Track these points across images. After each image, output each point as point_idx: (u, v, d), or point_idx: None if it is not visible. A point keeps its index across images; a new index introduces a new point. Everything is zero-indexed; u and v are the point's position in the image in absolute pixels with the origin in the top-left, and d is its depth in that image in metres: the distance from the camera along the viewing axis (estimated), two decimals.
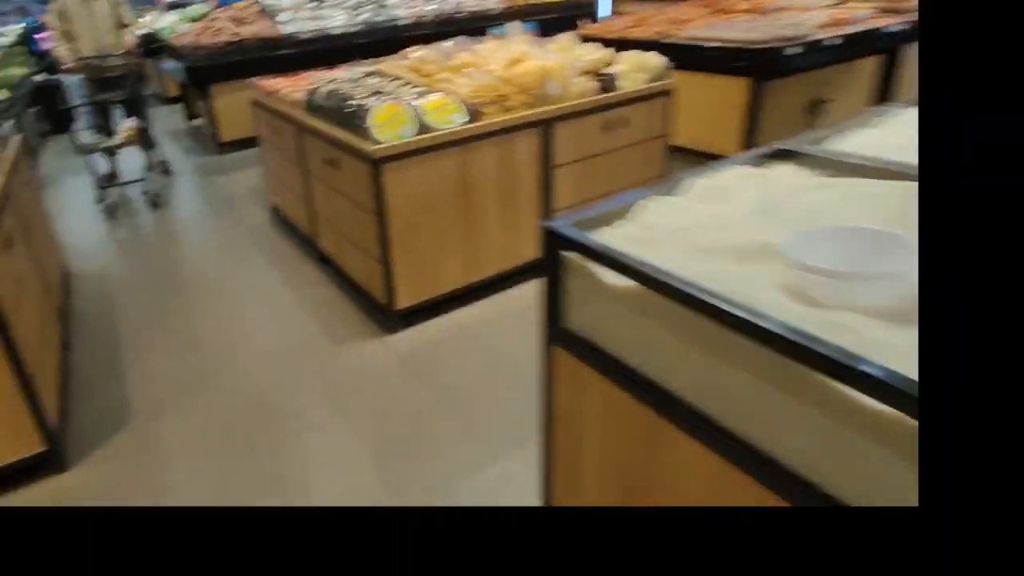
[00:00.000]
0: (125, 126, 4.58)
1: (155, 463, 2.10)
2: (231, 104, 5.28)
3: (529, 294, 2.83)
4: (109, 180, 4.68)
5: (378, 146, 2.29)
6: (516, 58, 2.59)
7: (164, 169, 5.11)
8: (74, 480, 2.05)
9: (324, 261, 3.28)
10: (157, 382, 2.51)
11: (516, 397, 2.22)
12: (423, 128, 2.37)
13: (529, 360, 2.31)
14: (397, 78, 2.72)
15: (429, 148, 2.38)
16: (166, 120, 6.91)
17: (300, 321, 2.84)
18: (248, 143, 5.38)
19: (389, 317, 2.64)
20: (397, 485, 1.93)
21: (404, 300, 2.59)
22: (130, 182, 4.65)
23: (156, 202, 4.51)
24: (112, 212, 4.43)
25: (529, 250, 2.84)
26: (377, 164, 2.30)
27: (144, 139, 4.67)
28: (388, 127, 2.30)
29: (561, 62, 2.55)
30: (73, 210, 4.51)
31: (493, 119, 2.48)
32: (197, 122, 6.45)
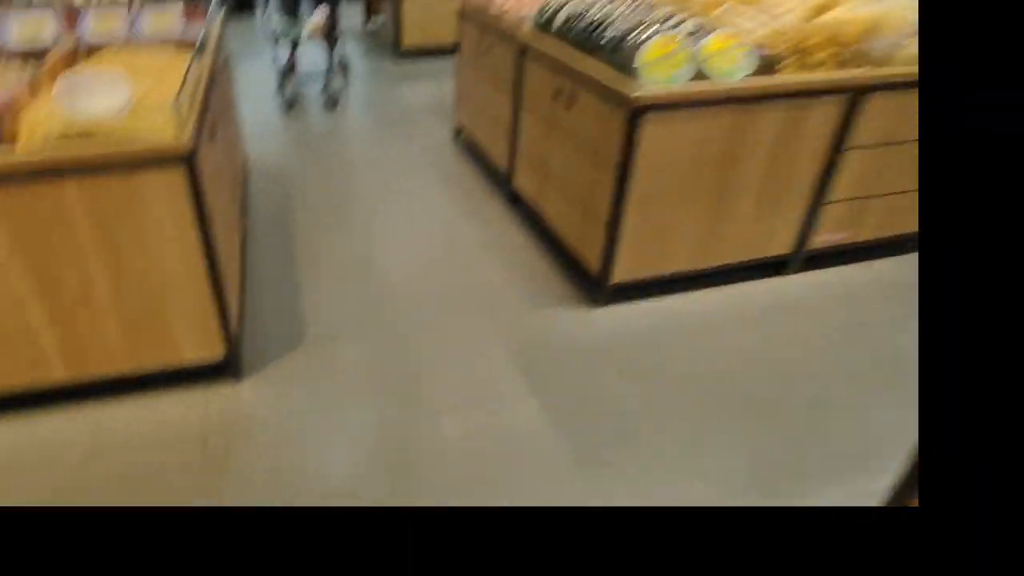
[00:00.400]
0: (314, 18, 4.38)
1: (327, 394, 1.93)
2: (420, 7, 4.95)
3: (767, 294, 2.36)
4: (289, 71, 4.55)
5: (644, 90, 1.85)
6: (826, 1, 2.03)
7: (343, 68, 4.92)
8: (248, 394, 1.92)
9: (515, 201, 2.94)
10: (331, 302, 2.32)
11: (754, 431, 1.81)
12: (699, 74, 1.90)
13: (769, 383, 1.89)
14: (657, 5, 2.23)
15: (703, 101, 1.92)
16: (345, 16, 6.72)
17: (486, 265, 2.55)
18: (431, 52, 5.10)
19: (596, 288, 2.28)
20: (605, 498, 1.61)
21: (621, 273, 2.20)
22: (310, 76, 4.50)
23: (333, 102, 4.34)
24: (290, 105, 4.31)
25: (779, 243, 2.35)
26: (636, 111, 1.87)
27: (331, 34, 4.46)
28: (660, 67, 1.85)
29: (897, 13, 1.96)
30: (251, 96, 4.42)
31: (789, 77, 1.96)
32: (376, 22, 6.21)
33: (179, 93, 1.70)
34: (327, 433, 1.80)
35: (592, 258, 2.25)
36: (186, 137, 1.60)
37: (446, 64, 5.06)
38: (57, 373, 1.78)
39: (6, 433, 1.78)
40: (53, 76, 1.91)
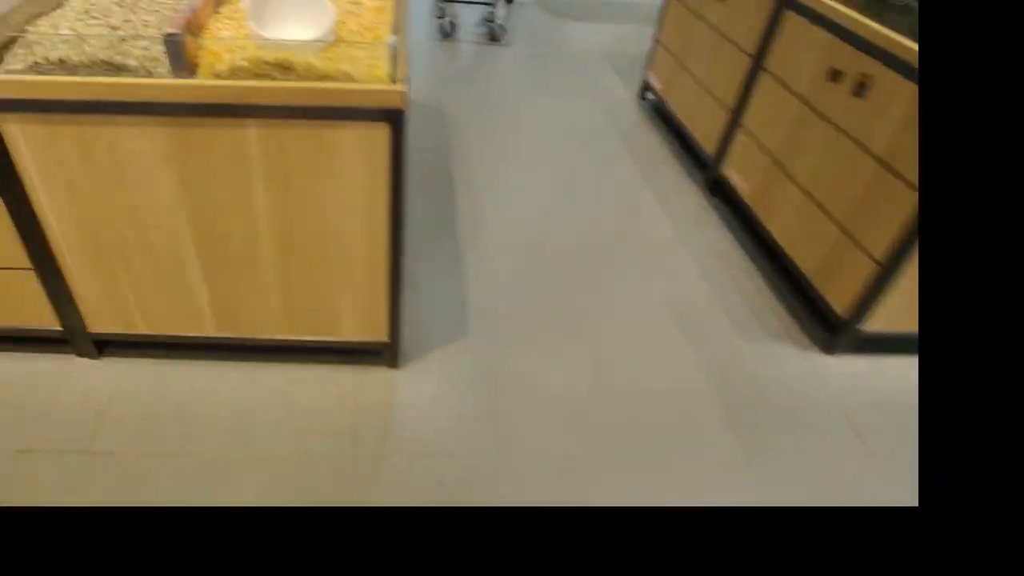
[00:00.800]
0: None
1: (494, 405, 1.63)
2: None
3: None
4: None
5: None
6: None
7: None
8: (406, 386, 1.66)
9: (716, 190, 2.45)
10: (498, 285, 1.98)
11: None
12: None
13: None
14: None
15: None
16: None
17: (681, 271, 2.11)
18: None
19: (835, 330, 1.80)
20: None
21: (880, 321, 1.72)
22: (472, 2, 4.05)
23: (497, 35, 3.88)
24: (446, 33, 3.89)
25: None
26: None
27: None
28: None
29: None
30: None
31: None
32: None
33: (394, 29, 1.34)
34: (494, 452, 1.50)
35: (839, 294, 1.76)
36: (401, 87, 1.23)
37: (630, 2, 4.47)
38: (209, 328, 1.61)
39: (150, 382, 1.62)
40: None
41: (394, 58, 1.25)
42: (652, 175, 2.60)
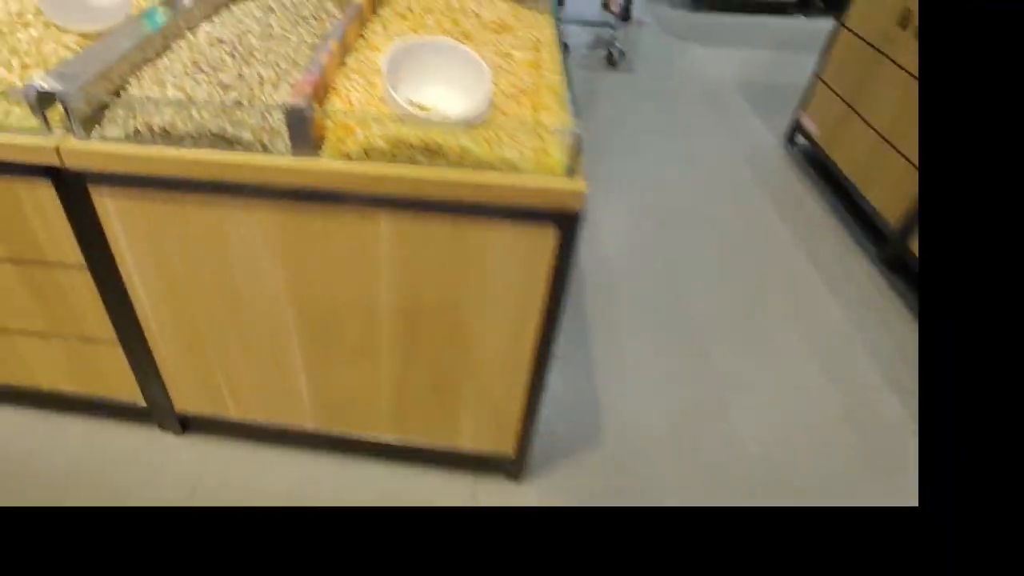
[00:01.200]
0: None
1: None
2: None
3: None
4: (559, 12, 3.81)
5: None
6: None
7: (625, 15, 4.08)
8: (531, 502, 1.39)
9: (899, 268, 2.03)
10: (634, 384, 1.66)
11: None
12: None
13: None
14: None
15: None
16: None
17: (866, 378, 1.72)
18: (740, 5, 4.10)
19: None
20: None
21: None
22: (587, 23, 3.73)
23: (614, 58, 3.55)
24: None
25: None
26: None
27: None
28: None
29: None
30: None
31: None
32: None
33: (571, 110, 1.04)
34: None
35: None
36: (580, 185, 0.93)
37: (759, 23, 4.05)
38: (307, 421, 1.41)
39: (237, 470, 1.44)
40: (359, 32, 1.33)
41: (573, 147, 0.94)
42: (810, 241, 2.20)
